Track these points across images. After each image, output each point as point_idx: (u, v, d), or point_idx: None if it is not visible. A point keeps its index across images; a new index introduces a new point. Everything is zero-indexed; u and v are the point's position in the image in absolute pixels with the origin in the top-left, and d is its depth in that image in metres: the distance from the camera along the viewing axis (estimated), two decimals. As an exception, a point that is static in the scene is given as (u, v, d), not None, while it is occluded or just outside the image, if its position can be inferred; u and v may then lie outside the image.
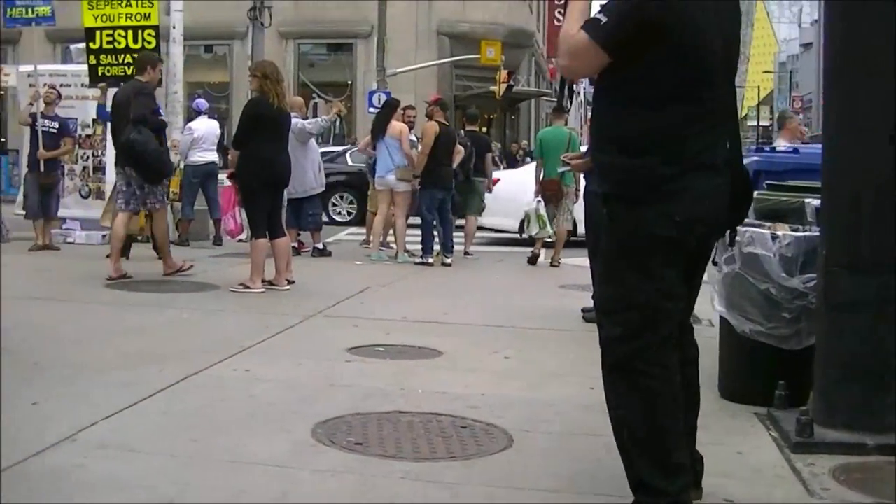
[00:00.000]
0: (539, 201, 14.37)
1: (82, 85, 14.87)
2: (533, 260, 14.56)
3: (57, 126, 14.42)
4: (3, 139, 31.31)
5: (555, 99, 43.59)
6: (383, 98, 26.71)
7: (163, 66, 12.33)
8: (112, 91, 14.03)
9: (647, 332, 4.03)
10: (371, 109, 29.21)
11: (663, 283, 4.05)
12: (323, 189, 15.36)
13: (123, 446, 5.06)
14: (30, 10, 15.59)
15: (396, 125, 14.60)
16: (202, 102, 17.28)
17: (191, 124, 16.47)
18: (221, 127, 18.40)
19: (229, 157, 11.26)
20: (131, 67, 13.83)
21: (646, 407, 4.03)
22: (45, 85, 15.07)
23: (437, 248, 14.53)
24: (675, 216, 3.99)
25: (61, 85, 15.19)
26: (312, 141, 14.68)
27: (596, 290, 4.31)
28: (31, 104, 14.83)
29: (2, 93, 31.32)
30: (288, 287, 10.87)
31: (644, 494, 4.05)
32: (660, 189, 3.98)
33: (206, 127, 16.49)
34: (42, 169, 14.44)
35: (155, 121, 11.59)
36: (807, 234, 5.90)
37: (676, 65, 3.93)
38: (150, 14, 14.10)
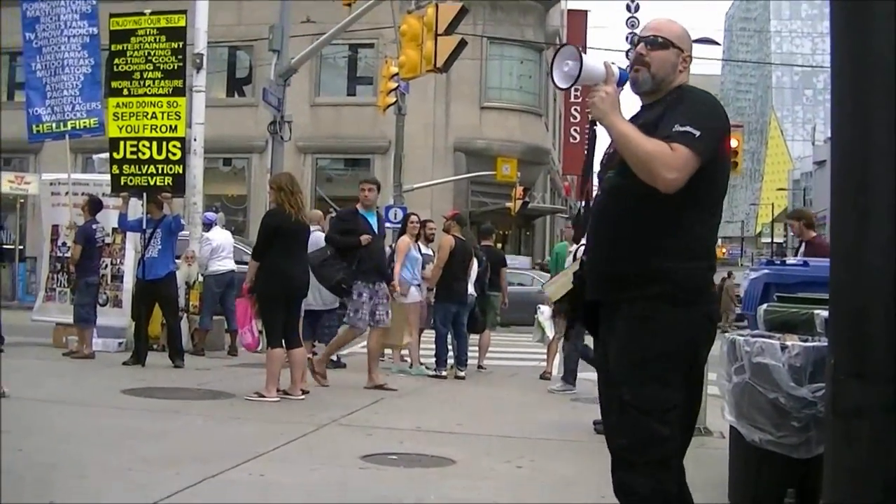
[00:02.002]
0: (541, 311, 14.51)
1: (103, 194, 15.10)
2: (546, 376, 14.60)
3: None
4: (21, 247, 31.69)
5: (569, 216, 43.97)
6: (399, 213, 27.03)
7: (372, 186, 12.81)
8: (133, 201, 14.32)
9: (679, 428, 4.32)
10: (387, 224, 29.45)
11: (699, 381, 4.42)
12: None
13: (140, 545, 5.13)
14: (62, 125, 15.91)
15: (401, 241, 14.86)
16: (211, 215, 17.56)
17: (208, 235, 16.69)
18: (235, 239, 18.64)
19: (248, 268, 11.37)
20: (154, 178, 14.12)
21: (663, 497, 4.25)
22: (82, 194, 15.42)
23: (450, 361, 14.60)
24: (711, 316, 4.33)
25: (82, 194, 15.47)
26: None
27: (633, 391, 4.20)
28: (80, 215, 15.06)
29: (21, 201, 31.95)
30: (303, 397, 10.94)
31: None
32: (705, 291, 4.30)
33: (223, 237, 16.76)
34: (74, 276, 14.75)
35: (337, 240, 12.43)
36: (815, 344, 6.00)
37: (722, 174, 4.32)
38: (176, 126, 14.36)
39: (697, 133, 4.08)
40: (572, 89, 5.12)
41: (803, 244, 13.13)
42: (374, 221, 12.64)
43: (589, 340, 10.73)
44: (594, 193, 4.46)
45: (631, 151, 4.09)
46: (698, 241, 4.29)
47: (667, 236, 4.21)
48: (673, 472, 4.28)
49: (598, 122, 4.28)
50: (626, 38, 39.48)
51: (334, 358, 14.96)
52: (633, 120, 4.28)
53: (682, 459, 4.37)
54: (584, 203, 4.63)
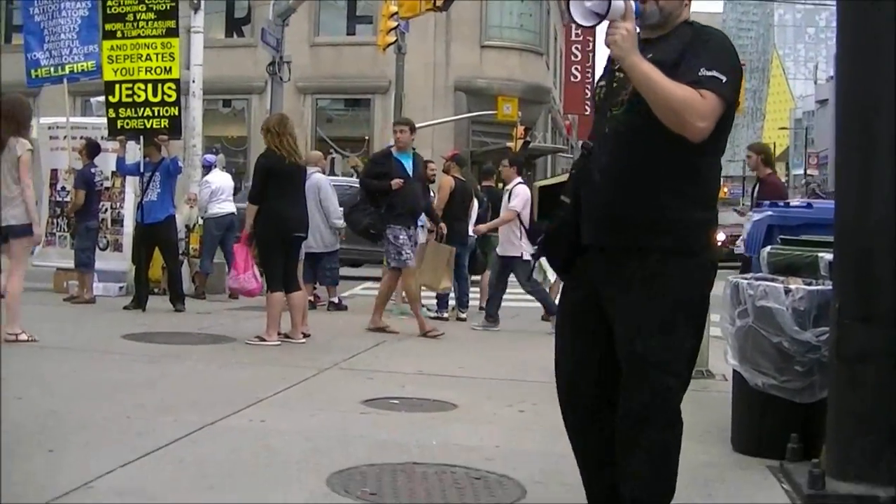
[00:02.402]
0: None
1: (102, 138, 14.99)
2: (547, 316, 14.56)
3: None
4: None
5: (571, 155, 43.82)
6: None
7: (403, 127, 12.64)
8: (131, 144, 14.21)
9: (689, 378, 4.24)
10: (387, 164, 29.32)
11: (703, 326, 4.29)
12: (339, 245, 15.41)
13: (140, 495, 5.09)
14: (60, 69, 15.80)
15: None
16: (210, 157, 17.48)
17: (207, 178, 16.61)
18: (237, 181, 18.54)
19: (246, 213, 11.25)
20: (150, 121, 13.99)
21: (676, 458, 4.21)
22: (80, 137, 15.30)
23: (452, 302, 14.56)
24: (714, 261, 4.20)
25: (81, 137, 15.34)
26: (334, 199, 14.76)
27: (646, 344, 4.05)
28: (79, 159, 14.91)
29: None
30: (303, 340, 10.90)
31: None
32: (710, 239, 4.18)
33: (222, 179, 16.65)
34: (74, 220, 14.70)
35: (368, 184, 12.53)
36: (819, 287, 5.94)
37: (732, 118, 4.16)
38: (171, 68, 14.20)
39: (724, 78, 3.92)
40: (572, 27, 4.91)
41: (758, 182, 12.93)
42: (409, 164, 12.46)
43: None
44: (605, 130, 4.19)
45: (658, 96, 3.88)
46: (712, 190, 4.19)
47: (686, 183, 4.07)
48: (679, 427, 4.19)
49: (617, 62, 4.02)
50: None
51: (335, 300, 14.97)
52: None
53: None
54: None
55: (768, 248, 6.93)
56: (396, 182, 12.06)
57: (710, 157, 4.13)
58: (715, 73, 3.91)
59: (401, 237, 12.14)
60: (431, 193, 15.23)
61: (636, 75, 3.90)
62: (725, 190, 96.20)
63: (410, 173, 12.36)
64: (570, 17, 4.06)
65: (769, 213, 8.14)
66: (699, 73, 3.90)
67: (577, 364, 4.38)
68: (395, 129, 12.76)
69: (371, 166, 12.88)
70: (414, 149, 12.69)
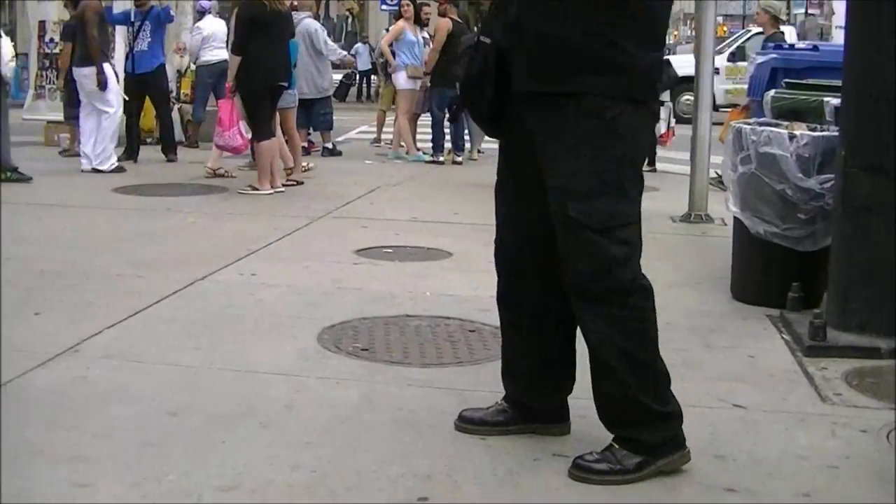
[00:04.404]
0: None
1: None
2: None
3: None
4: (12, 43, 31.09)
5: None
6: (394, -5, 26.44)
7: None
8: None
9: (640, 244, 3.66)
10: (383, 7, 28.86)
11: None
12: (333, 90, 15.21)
13: (128, 356, 5.01)
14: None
15: (396, 25, 14.90)
16: (206, 3, 17.05)
17: (198, 24, 16.17)
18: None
19: (229, 64, 10.92)
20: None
21: (650, 329, 3.67)
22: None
23: (447, 146, 14.38)
24: (656, 113, 3.81)
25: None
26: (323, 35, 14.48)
27: (583, 206, 3.49)
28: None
29: (10, -5, 31.22)
30: (271, 191, 10.56)
31: (651, 428, 3.64)
32: (657, 88, 3.67)
33: (214, 26, 16.24)
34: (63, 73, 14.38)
35: None
36: (825, 133, 5.78)
37: None
38: None
39: None
40: None
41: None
42: None
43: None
44: None
45: None
46: (658, 28, 3.63)
47: (629, 18, 3.49)
48: (640, 295, 3.62)
49: None
50: None
51: (329, 146, 14.80)
52: None
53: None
54: None
55: (772, 92, 6.76)
56: None
57: None
58: None
59: None
60: (427, 35, 14.98)
61: None
62: (725, 28, 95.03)
63: None
64: None
65: (773, 55, 7.93)
66: None
67: (523, 230, 3.84)
68: None
69: None
70: None
